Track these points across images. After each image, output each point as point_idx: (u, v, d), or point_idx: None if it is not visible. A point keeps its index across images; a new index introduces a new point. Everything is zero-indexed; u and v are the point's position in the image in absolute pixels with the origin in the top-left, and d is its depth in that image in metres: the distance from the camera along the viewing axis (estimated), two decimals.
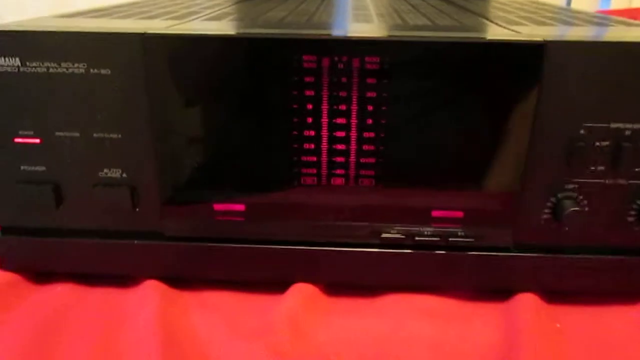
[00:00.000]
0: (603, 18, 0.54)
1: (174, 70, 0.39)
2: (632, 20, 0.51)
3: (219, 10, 0.57)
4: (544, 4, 0.75)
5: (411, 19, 0.51)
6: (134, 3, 0.63)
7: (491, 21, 0.50)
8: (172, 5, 0.61)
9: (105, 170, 0.42)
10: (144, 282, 0.45)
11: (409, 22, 0.49)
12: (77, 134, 0.41)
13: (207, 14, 0.52)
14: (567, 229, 0.41)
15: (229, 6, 0.63)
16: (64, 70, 0.39)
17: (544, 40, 0.37)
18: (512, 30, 0.42)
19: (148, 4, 0.62)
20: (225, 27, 0.45)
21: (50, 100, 0.40)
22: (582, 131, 0.39)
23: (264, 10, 0.58)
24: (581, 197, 0.41)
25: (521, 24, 0.46)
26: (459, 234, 0.42)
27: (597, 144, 0.39)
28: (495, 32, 0.43)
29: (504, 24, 0.47)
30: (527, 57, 0.37)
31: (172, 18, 0.48)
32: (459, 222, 0.42)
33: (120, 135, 0.41)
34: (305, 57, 0.38)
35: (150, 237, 0.44)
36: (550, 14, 0.56)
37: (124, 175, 0.42)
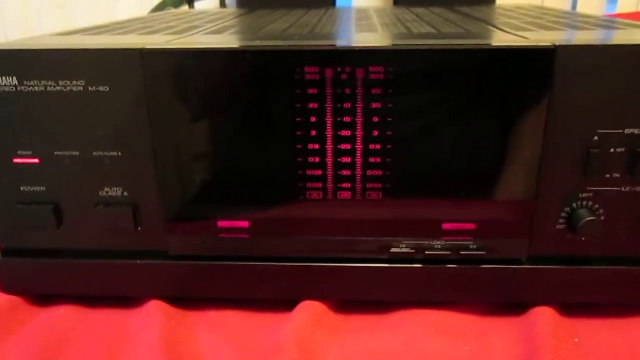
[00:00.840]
0: (610, 21, 0.53)
1: (173, 85, 0.38)
2: (631, 22, 0.50)
3: (220, 24, 0.56)
4: (549, 9, 0.74)
5: (415, 27, 0.50)
6: (136, 19, 0.62)
7: (497, 28, 0.49)
8: (174, 20, 0.61)
9: (105, 189, 0.41)
10: (148, 303, 0.44)
11: (413, 31, 0.48)
12: (76, 153, 0.40)
13: (207, 28, 0.52)
14: (583, 239, 0.40)
15: (231, 20, 0.62)
16: (62, 88, 0.38)
17: (554, 45, 0.36)
18: (520, 36, 0.41)
19: (150, 20, 0.62)
20: (225, 40, 0.44)
21: (49, 119, 0.39)
22: (596, 137, 0.38)
23: (265, 23, 0.57)
24: (597, 205, 0.39)
25: (528, 30, 0.45)
26: (471, 246, 0.41)
27: (612, 150, 0.38)
28: (502, 39, 0.42)
29: (510, 30, 0.46)
30: (537, 62, 0.36)
31: (172, 33, 0.47)
32: (470, 235, 0.41)
33: (120, 153, 0.40)
34: (307, 69, 0.37)
35: (153, 257, 0.43)
36: (556, 19, 0.55)
37: (125, 193, 0.41)
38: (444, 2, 0.83)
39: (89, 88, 0.38)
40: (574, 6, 1.28)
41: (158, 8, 1.30)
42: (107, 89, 0.38)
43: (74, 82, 0.38)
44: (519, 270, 0.41)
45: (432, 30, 0.48)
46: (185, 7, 1.34)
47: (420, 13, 0.67)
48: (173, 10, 0.99)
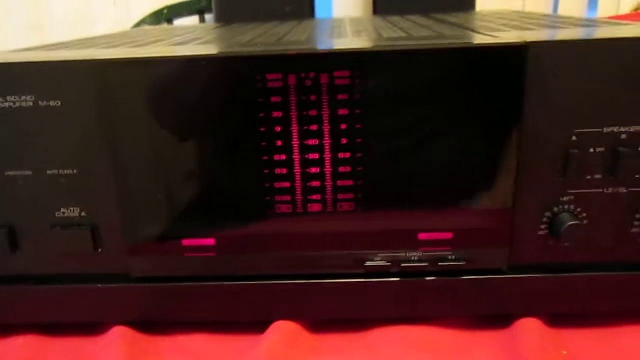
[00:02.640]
0: (589, 21, 0.51)
1: (127, 99, 0.36)
2: (619, 21, 0.49)
3: (188, 37, 0.55)
4: (529, 13, 0.73)
5: (387, 33, 0.49)
6: (101, 36, 0.61)
7: (472, 30, 0.48)
8: (141, 36, 0.59)
9: (62, 210, 0.39)
10: (112, 329, 0.41)
11: (383, 36, 0.46)
12: (29, 172, 0.38)
13: (173, 41, 0.50)
14: (566, 245, 0.38)
15: (201, 33, 0.60)
16: (11, 104, 0.36)
17: (525, 42, 0.34)
18: (492, 36, 0.40)
19: (115, 36, 0.60)
20: (186, 51, 0.43)
21: None
22: (574, 138, 0.36)
23: (235, 35, 0.56)
24: (579, 209, 0.37)
25: (502, 31, 0.44)
26: (450, 257, 0.39)
27: (592, 150, 0.36)
28: (474, 39, 0.41)
29: (484, 32, 0.44)
30: (508, 61, 0.34)
31: (134, 46, 0.46)
32: (448, 245, 0.38)
33: (76, 171, 0.38)
34: (269, 76, 0.36)
35: (116, 280, 0.41)
36: (534, 21, 0.54)
37: (84, 214, 0.39)
38: (424, 10, 0.81)
39: (40, 103, 0.36)
40: (555, 11, 1.28)
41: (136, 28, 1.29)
42: (59, 104, 0.36)
43: (24, 98, 0.36)
44: (501, 281, 0.39)
45: (403, 34, 0.46)
46: (165, 25, 1.33)
47: (395, 20, 0.66)
48: (146, 27, 0.98)
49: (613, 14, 1.36)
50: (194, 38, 0.52)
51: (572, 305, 0.40)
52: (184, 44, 0.46)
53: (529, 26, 0.48)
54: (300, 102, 0.36)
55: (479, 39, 0.39)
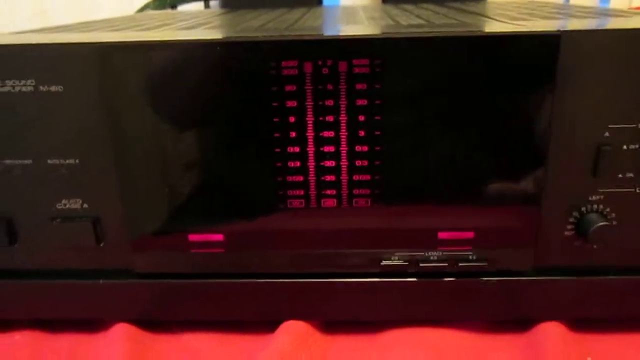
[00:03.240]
0: (610, 10, 0.49)
1: (133, 84, 0.34)
2: (633, 11, 0.47)
3: (195, 21, 0.52)
4: (547, 3, 0.70)
5: (404, 20, 0.46)
6: (104, 20, 0.58)
7: (491, 18, 0.46)
8: (146, 20, 0.57)
9: (63, 201, 0.37)
10: (113, 326, 0.40)
11: (402, 23, 0.44)
12: (28, 161, 0.36)
13: (180, 25, 0.48)
14: (594, 247, 0.36)
15: (208, 18, 0.58)
16: (10, 89, 0.34)
17: (559, 31, 0.32)
18: (517, 25, 0.37)
19: (120, 20, 0.58)
20: (195, 35, 0.40)
21: None
22: (607, 134, 0.34)
23: (243, 20, 0.54)
24: (609, 209, 0.35)
25: (525, 19, 0.42)
26: (470, 257, 0.37)
27: (625, 147, 0.34)
28: (500, 27, 0.38)
29: (506, 20, 0.42)
30: (541, 51, 0.32)
31: (139, 30, 0.43)
32: (469, 244, 0.36)
33: (78, 161, 0.36)
34: (284, 63, 0.33)
35: (118, 276, 0.39)
36: (553, 10, 0.52)
37: (85, 205, 0.37)
38: (434, 0, 0.79)
39: (41, 88, 0.34)
40: (566, 2, 1.25)
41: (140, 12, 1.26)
42: (61, 89, 0.34)
43: (23, 82, 0.34)
44: (524, 283, 0.37)
45: (422, 21, 0.44)
46: (169, 10, 1.30)
47: (409, 8, 0.64)
48: (150, 12, 0.95)
49: (626, 5, 1.33)
50: (202, 22, 0.50)
51: (598, 309, 0.38)
52: (192, 29, 0.44)
53: (551, 15, 0.46)
54: (316, 91, 0.34)
55: (506, 27, 0.37)
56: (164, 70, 0.34)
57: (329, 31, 0.41)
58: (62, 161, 0.36)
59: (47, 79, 0.34)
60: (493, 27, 0.39)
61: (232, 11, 0.74)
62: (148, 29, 0.44)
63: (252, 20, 0.52)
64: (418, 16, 0.50)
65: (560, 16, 0.44)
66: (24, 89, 0.34)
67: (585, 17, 0.43)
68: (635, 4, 1.32)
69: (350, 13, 0.59)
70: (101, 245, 0.38)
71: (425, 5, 0.69)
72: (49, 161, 0.36)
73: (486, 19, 0.46)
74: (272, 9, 0.73)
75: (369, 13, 0.57)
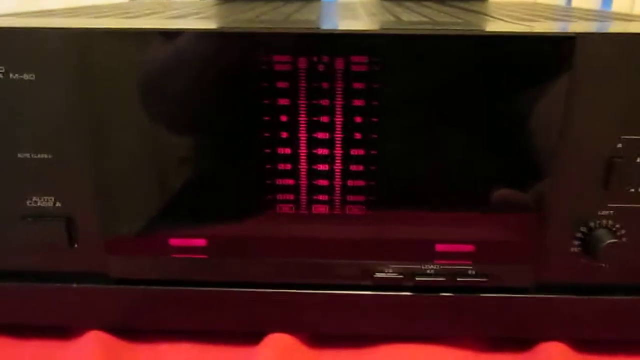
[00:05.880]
0: (626, 15, 0.47)
1: (111, 76, 0.31)
2: (634, 15, 0.44)
3: (186, 10, 0.50)
4: (547, 5, 0.68)
5: (405, 17, 0.44)
6: (91, 6, 0.55)
7: (496, 18, 0.43)
8: (135, 7, 0.54)
9: (34, 199, 0.34)
10: (87, 334, 0.37)
11: (403, 19, 0.41)
12: None
13: (169, 14, 0.45)
14: (602, 265, 0.34)
15: (199, 8, 0.55)
16: None
17: (575, 33, 0.29)
18: (526, 25, 0.35)
19: (106, 7, 0.55)
20: (183, 24, 0.38)
21: None
22: (619, 145, 0.32)
23: (237, 11, 0.51)
24: (618, 225, 0.33)
25: (532, 20, 0.39)
26: (469, 272, 0.34)
27: (639, 160, 0.32)
28: (507, 28, 0.36)
29: (512, 20, 0.40)
30: (555, 54, 0.30)
31: (124, 17, 0.41)
32: (468, 258, 0.34)
33: (51, 156, 0.33)
34: (277, 58, 0.31)
35: (92, 280, 0.36)
36: (564, 12, 0.49)
37: (58, 204, 0.34)
38: None
39: (11, 76, 0.31)
40: (568, 4, 1.23)
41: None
42: (33, 77, 0.31)
43: None
44: (525, 300, 0.35)
45: (423, 19, 0.42)
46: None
47: (410, 5, 0.61)
48: (143, 0, 0.92)
49: (627, 8, 1.31)
50: (193, 12, 0.47)
51: (603, 330, 0.36)
52: (182, 18, 0.41)
53: (563, 17, 0.43)
54: (311, 89, 0.32)
55: (515, 27, 0.35)
56: (146, 61, 0.31)
57: (326, 26, 0.38)
58: (33, 155, 0.33)
59: (19, 66, 0.31)
60: (501, 26, 0.37)
61: (226, 2, 0.71)
62: (137, 16, 0.42)
63: (246, 12, 0.49)
64: (419, 13, 0.48)
65: (569, 19, 0.42)
66: None
67: (595, 21, 0.40)
68: (638, 9, 1.30)
69: (348, 8, 0.57)
70: (75, 246, 0.35)
71: (426, 3, 0.67)
72: (19, 155, 0.33)
73: (492, 18, 0.44)
74: (267, 2, 0.71)
75: (368, 8, 0.54)
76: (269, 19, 0.42)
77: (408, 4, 0.66)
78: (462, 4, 0.65)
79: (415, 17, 0.43)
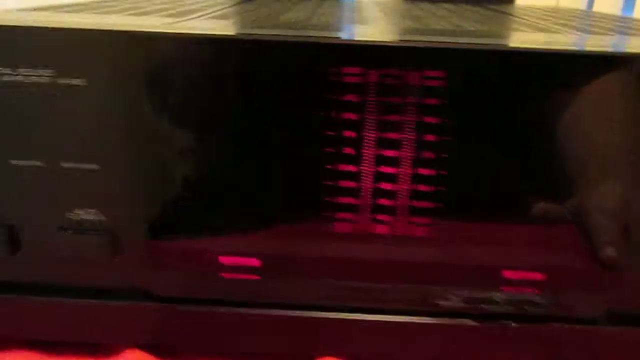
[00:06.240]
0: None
1: (170, 82, 0.29)
2: None
3: (221, 9, 0.47)
4: (570, 10, 0.67)
5: (464, 24, 0.42)
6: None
7: (527, 26, 0.41)
8: (167, 2, 0.52)
9: (76, 210, 0.32)
10: (124, 352, 0.35)
11: (467, 28, 0.39)
12: (39, 163, 0.31)
13: (209, 13, 0.43)
14: None
15: (232, 6, 0.53)
16: (23, 78, 0.29)
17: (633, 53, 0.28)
18: (599, 41, 0.33)
19: (138, 0, 0.52)
20: (235, 28, 0.36)
21: (4, 119, 0.30)
22: None
23: (275, 12, 0.49)
24: None
25: (596, 33, 0.37)
26: (538, 301, 0.33)
27: None
28: (589, 44, 0.34)
29: (578, 32, 0.38)
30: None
31: (166, 16, 0.38)
32: (538, 286, 0.32)
33: (97, 166, 0.31)
34: (346, 70, 0.29)
35: (133, 297, 0.34)
36: (602, 22, 0.47)
37: (102, 217, 0.32)
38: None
39: (60, 80, 0.29)
40: (589, 8, 1.21)
41: None
42: (84, 82, 0.29)
43: (40, 72, 0.29)
44: (597, 332, 0.33)
45: (481, 27, 0.40)
46: None
47: (426, 8, 0.59)
48: None
49: None
50: (232, 12, 0.45)
51: None
52: (225, 19, 0.39)
53: (599, 29, 0.41)
54: (380, 104, 0.29)
55: (593, 43, 0.33)
56: (206, 67, 0.29)
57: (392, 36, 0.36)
58: (78, 165, 0.31)
59: (69, 70, 0.29)
60: (581, 42, 0.35)
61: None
62: (176, 15, 0.39)
63: (287, 13, 0.47)
64: (441, 17, 0.46)
65: (611, 32, 0.40)
66: (39, 79, 0.29)
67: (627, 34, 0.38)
68: None
69: (361, 9, 0.54)
70: (116, 261, 0.33)
71: (449, 6, 0.65)
72: (62, 164, 0.31)
73: (553, 31, 0.42)
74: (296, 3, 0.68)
75: (405, 12, 0.52)
76: (320, 23, 0.40)
77: (426, 5, 0.64)
78: (497, 7, 0.64)
79: (470, 26, 0.41)
